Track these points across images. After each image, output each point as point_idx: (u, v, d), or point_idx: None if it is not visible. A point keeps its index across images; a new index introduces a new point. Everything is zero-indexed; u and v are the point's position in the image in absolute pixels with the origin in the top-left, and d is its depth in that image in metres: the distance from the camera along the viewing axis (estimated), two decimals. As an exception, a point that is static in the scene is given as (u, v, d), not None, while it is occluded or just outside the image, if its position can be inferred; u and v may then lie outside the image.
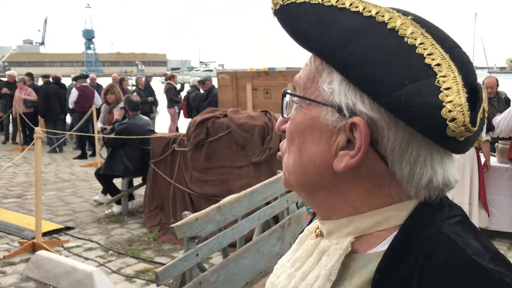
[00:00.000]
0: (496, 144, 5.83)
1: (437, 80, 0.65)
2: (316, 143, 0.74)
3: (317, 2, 0.74)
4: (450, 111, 0.63)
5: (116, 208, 6.99)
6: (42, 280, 4.59)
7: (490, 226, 5.63)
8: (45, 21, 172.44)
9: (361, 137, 0.69)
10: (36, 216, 5.38)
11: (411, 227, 0.70)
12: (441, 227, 0.69)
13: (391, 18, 0.70)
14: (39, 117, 12.91)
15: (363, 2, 0.72)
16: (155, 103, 14.04)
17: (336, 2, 0.73)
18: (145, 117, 7.54)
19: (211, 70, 76.06)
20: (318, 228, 0.84)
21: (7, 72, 15.27)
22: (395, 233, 0.71)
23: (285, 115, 0.81)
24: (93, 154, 11.69)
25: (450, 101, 0.63)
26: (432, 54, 0.67)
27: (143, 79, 14.30)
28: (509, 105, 7.38)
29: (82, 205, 7.54)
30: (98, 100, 11.90)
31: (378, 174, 0.72)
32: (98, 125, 8.79)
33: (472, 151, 5.38)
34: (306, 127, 0.75)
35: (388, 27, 0.69)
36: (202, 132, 5.83)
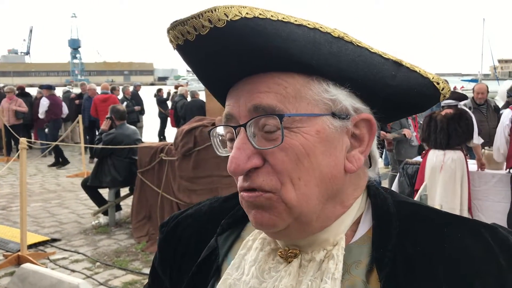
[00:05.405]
0: (483, 150, 5.88)
1: (406, 66, 0.76)
2: (328, 155, 0.73)
3: (276, 18, 0.68)
4: (438, 83, 0.78)
5: (103, 219, 6.91)
6: (27, 294, 4.50)
7: None
8: (31, 31, 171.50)
9: (370, 131, 0.76)
10: (21, 228, 5.29)
11: (378, 206, 0.79)
12: (393, 198, 0.80)
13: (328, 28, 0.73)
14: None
15: (293, 17, 0.71)
16: (142, 112, 13.99)
17: (294, 19, 0.70)
18: (132, 127, 7.48)
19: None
20: (279, 250, 0.81)
21: None
22: (364, 216, 0.79)
23: (256, 146, 0.71)
24: (65, 162, 12.06)
25: (433, 76, 0.77)
26: (382, 52, 0.75)
27: (130, 88, 14.22)
28: (497, 113, 7.42)
29: (68, 216, 7.44)
30: (65, 109, 13.22)
31: (364, 165, 0.79)
32: None
33: (462, 157, 5.40)
34: (313, 145, 0.71)
35: (335, 35, 0.72)
36: (190, 141, 5.79)
